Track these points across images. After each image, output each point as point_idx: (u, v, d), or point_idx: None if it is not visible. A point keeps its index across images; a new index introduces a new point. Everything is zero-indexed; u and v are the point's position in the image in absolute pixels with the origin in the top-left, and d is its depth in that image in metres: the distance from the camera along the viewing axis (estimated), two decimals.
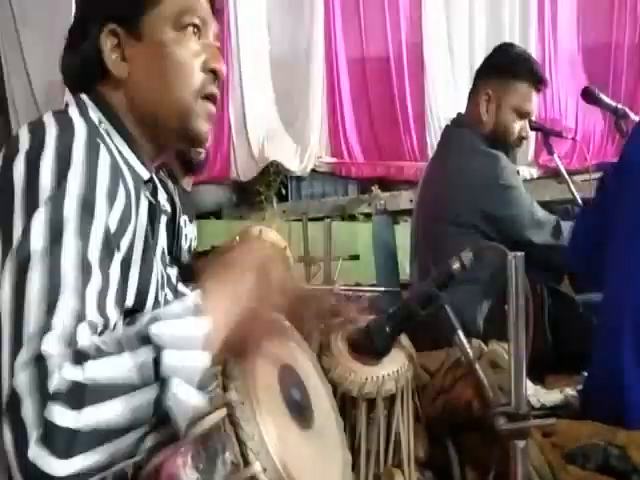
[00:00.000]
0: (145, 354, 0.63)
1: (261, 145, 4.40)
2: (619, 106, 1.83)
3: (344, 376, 0.97)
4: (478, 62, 4.47)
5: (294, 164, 4.41)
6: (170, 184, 2.06)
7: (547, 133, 2.13)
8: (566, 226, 1.73)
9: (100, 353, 0.63)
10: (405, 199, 4.30)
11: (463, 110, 1.95)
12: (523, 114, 1.83)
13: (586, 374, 1.39)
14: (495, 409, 0.87)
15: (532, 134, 1.93)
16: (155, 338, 0.64)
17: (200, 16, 0.87)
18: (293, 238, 3.26)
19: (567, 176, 2.12)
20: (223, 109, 4.14)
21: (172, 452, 0.70)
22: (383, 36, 4.50)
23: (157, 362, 0.63)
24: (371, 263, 2.55)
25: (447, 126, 1.96)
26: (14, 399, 0.60)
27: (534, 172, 4.30)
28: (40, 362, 0.61)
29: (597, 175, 1.88)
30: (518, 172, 1.92)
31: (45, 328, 0.63)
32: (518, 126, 1.84)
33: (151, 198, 0.89)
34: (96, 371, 0.61)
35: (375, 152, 4.57)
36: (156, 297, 0.87)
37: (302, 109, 4.46)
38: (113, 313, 0.71)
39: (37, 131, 0.73)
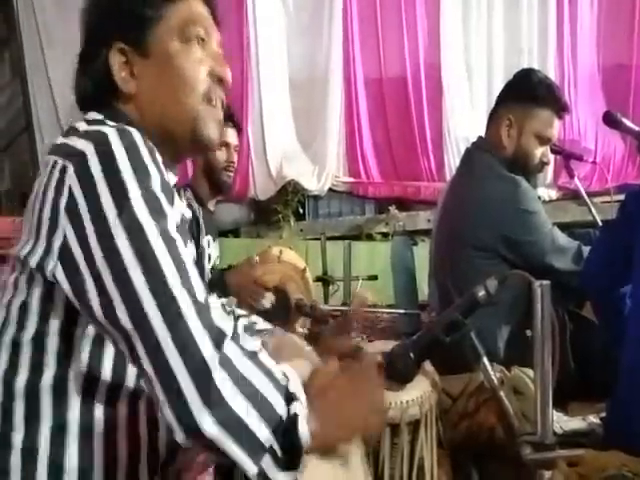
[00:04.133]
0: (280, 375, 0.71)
1: (279, 164, 4.44)
2: None
3: None
4: (496, 83, 4.49)
5: (312, 183, 4.44)
6: (195, 205, 2.10)
7: (567, 156, 2.13)
8: (587, 251, 1.72)
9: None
10: (422, 219, 4.30)
11: (481, 131, 1.95)
12: (545, 140, 1.83)
13: (609, 402, 1.38)
14: (520, 438, 0.86)
15: (551, 156, 1.93)
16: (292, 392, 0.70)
17: (203, 26, 0.90)
18: (310, 257, 3.27)
19: (587, 199, 2.11)
20: (242, 129, 4.19)
21: (202, 469, 0.72)
22: (401, 57, 4.53)
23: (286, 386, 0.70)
24: (389, 283, 2.56)
25: (468, 149, 1.97)
26: (187, 337, 0.66)
27: (553, 194, 4.28)
28: (208, 310, 0.68)
29: (619, 197, 1.87)
30: (539, 197, 1.91)
31: (189, 283, 0.69)
32: (539, 152, 1.84)
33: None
34: (261, 355, 0.70)
35: (392, 172, 4.58)
36: None
37: (320, 129, 4.49)
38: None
39: (96, 136, 0.74)
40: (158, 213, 0.71)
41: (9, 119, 4.68)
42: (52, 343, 0.75)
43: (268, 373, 0.69)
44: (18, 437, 0.74)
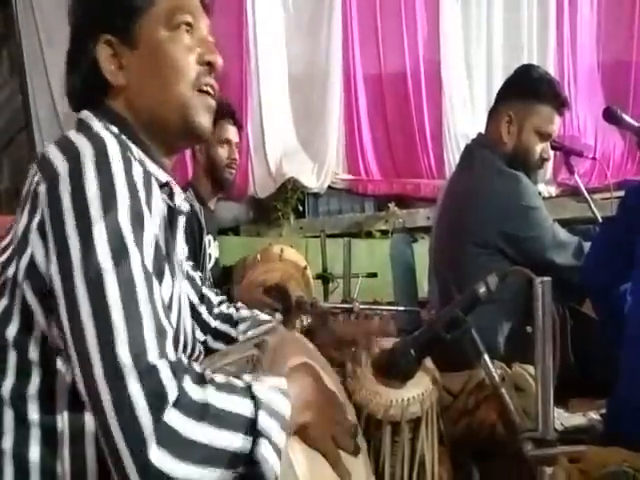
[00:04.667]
0: (248, 406, 0.68)
1: (279, 162, 4.43)
2: None
3: (369, 398, 0.97)
4: (496, 79, 4.48)
5: (311, 181, 4.43)
6: (196, 205, 2.09)
7: (567, 152, 2.12)
8: (588, 247, 1.72)
9: (218, 386, 0.68)
10: (422, 216, 4.29)
11: (481, 128, 1.95)
12: (545, 136, 1.83)
13: (610, 398, 1.38)
14: (522, 434, 0.86)
15: (551, 152, 1.93)
16: (257, 395, 0.68)
17: (191, 12, 0.88)
18: (310, 254, 3.27)
19: (587, 195, 2.10)
20: (243, 127, 4.18)
21: None
22: (400, 54, 4.52)
23: (254, 418, 0.67)
24: (389, 281, 2.55)
25: (468, 145, 1.96)
26: (125, 404, 0.63)
27: (552, 190, 4.27)
28: (153, 372, 0.64)
29: (618, 193, 1.87)
30: (539, 193, 1.91)
31: (140, 340, 0.66)
32: (540, 148, 1.84)
33: (169, 201, 0.90)
34: (217, 398, 0.66)
35: (392, 169, 4.57)
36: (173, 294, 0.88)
37: (319, 127, 4.48)
38: (169, 318, 0.73)
39: (71, 153, 0.73)
40: (120, 252, 0.68)
41: (8, 118, 4.68)
42: (35, 352, 0.74)
43: (223, 420, 0.65)
44: (8, 443, 0.73)
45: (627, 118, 1.81)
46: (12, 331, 0.74)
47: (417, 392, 0.98)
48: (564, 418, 1.42)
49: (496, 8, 4.47)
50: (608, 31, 4.40)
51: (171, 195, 0.90)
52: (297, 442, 0.73)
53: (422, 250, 2.39)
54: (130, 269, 0.68)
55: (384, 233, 4.27)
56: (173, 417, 0.63)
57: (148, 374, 0.64)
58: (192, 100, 0.86)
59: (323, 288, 2.94)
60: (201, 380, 0.67)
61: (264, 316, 1.21)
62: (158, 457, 0.62)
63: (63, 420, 0.74)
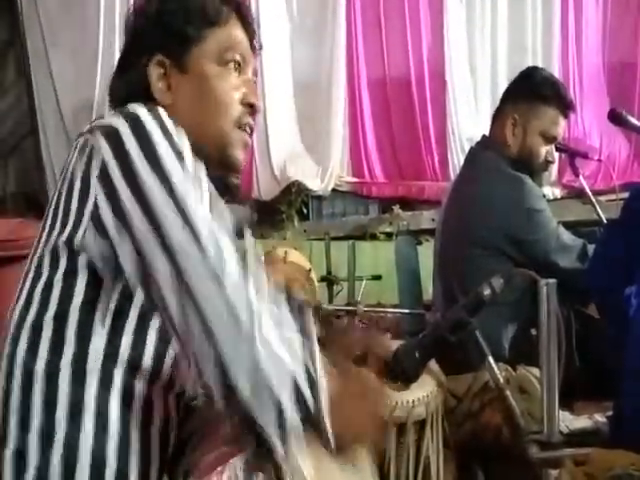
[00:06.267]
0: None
1: (283, 165, 4.44)
2: None
3: None
4: (500, 82, 4.47)
5: (315, 183, 4.43)
6: None
7: (573, 154, 2.12)
8: (593, 249, 1.71)
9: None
10: (427, 219, 4.29)
11: (485, 130, 1.95)
12: (550, 138, 1.83)
13: (615, 401, 1.37)
14: (527, 437, 0.86)
15: (555, 154, 1.92)
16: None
17: (241, 53, 0.93)
18: (314, 257, 3.27)
19: (593, 197, 2.10)
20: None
21: (209, 471, 0.72)
22: (404, 57, 4.52)
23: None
24: (393, 283, 2.55)
25: (472, 148, 1.96)
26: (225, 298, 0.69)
27: (557, 192, 4.26)
28: (254, 309, 0.70)
29: (624, 195, 1.86)
30: (544, 195, 1.90)
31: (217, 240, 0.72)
32: (544, 150, 1.83)
33: None
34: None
35: (396, 172, 4.57)
36: None
37: (324, 130, 4.49)
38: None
39: (129, 113, 0.77)
40: (189, 182, 0.74)
41: (14, 122, 4.70)
42: (73, 319, 0.76)
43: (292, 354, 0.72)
44: (36, 420, 0.75)
45: (632, 120, 1.81)
46: (53, 305, 0.77)
47: (422, 394, 0.98)
48: (569, 421, 1.41)
49: (500, 10, 4.47)
50: (613, 33, 4.39)
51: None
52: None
53: (426, 252, 2.39)
54: (201, 196, 0.76)
55: (388, 235, 4.27)
56: (267, 328, 0.70)
57: (241, 283, 0.71)
58: (231, 135, 0.92)
59: (327, 291, 2.94)
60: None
61: None
62: (259, 349, 0.69)
63: (90, 397, 0.76)
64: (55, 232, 0.77)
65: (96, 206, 0.74)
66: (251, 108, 0.93)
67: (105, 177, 0.74)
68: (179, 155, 0.75)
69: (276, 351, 0.70)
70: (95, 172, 0.75)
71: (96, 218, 0.74)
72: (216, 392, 0.69)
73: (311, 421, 0.71)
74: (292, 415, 0.70)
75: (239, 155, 0.93)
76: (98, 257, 0.74)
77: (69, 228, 0.76)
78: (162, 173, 0.72)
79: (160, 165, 0.73)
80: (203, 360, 0.69)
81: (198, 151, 0.88)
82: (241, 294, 0.70)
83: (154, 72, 0.90)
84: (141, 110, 0.77)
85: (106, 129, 0.76)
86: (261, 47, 1.00)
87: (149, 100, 0.88)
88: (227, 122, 0.91)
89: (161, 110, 0.79)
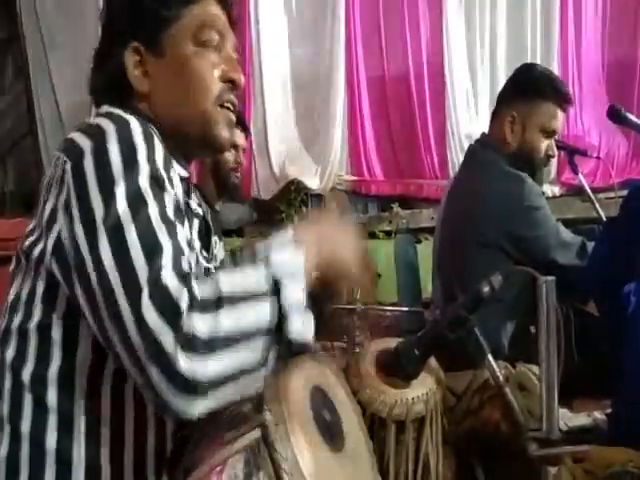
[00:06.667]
0: (265, 271, 0.70)
1: (282, 164, 4.44)
2: None
3: (374, 397, 0.97)
4: (499, 80, 4.47)
5: (314, 182, 4.43)
6: (204, 206, 2.09)
7: (572, 152, 2.12)
8: (592, 246, 1.71)
9: (226, 270, 0.71)
10: (426, 217, 4.29)
11: (484, 128, 1.94)
12: (549, 133, 1.83)
13: (614, 398, 1.37)
14: (526, 434, 0.86)
15: (555, 149, 1.92)
16: (273, 260, 0.71)
17: (218, 30, 0.90)
18: None
19: (592, 195, 2.10)
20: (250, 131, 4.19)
21: (209, 471, 0.72)
22: (403, 55, 4.52)
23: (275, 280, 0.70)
24: (392, 281, 2.55)
25: (471, 146, 1.96)
26: (150, 337, 0.66)
27: (556, 190, 4.26)
28: (165, 290, 0.67)
29: (623, 193, 1.86)
30: (543, 193, 1.90)
31: (157, 267, 0.68)
32: (545, 145, 1.83)
33: (186, 197, 0.93)
34: (228, 282, 0.69)
35: (395, 170, 4.57)
36: None
37: (323, 128, 4.49)
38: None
39: (94, 131, 0.76)
40: (139, 204, 0.72)
41: (13, 122, 4.70)
42: (57, 333, 0.76)
43: (241, 300, 0.69)
44: (26, 427, 0.75)
45: (631, 116, 1.81)
46: (37, 313, 0.77)
47: (421, 391, 0.98)
48: (568, 418, 1.41)
49: (500, 8, 4.47)
50: (613, 31, 4.39)
51: (188, 192, 0.92)
52: (302, 437, 0.73)
53: (425, 251, 2.39)
54: (148, 216, 0.72)
55: (387, 234, 4.27)
56: (190, 322, 0.66)
57: (158, 291, 0.67)
58: (214, 114, 0.89)
59: None
60: (208, 275, 0.71)
61: None
62: (187, 364, 0.65)
63: (80, 407, 0.76)
64: (31, 241, 0.78)
65: (59, 237, 0.74)
66: (232, 84, 0.90)
67: (68, 211, 0.73)
68: (135, 177, 0.73)
69: (225, 334, 0.67)
70: (62, 199, 0.74)
71: (58, 250, 0.74)
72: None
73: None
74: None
75: (224, 133, 0.90)
76: (64, 286, 0.75)
77: (40, 246, 0.76)
78: (114, 220, 0.70)
79: (113, 211, 0.71)
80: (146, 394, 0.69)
81: (182, 134, 0.88)
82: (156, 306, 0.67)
83: (130, 60, 0.88)
84: (109, 132, 0.74)
85: (74, 154, 0.74)
86: (237, 20, 0.97)
87: (127, 89, 0.88)
88: (208, 101, 0.88)
89: (132, 123, 0.76)
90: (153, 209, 0.72)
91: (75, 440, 0.75)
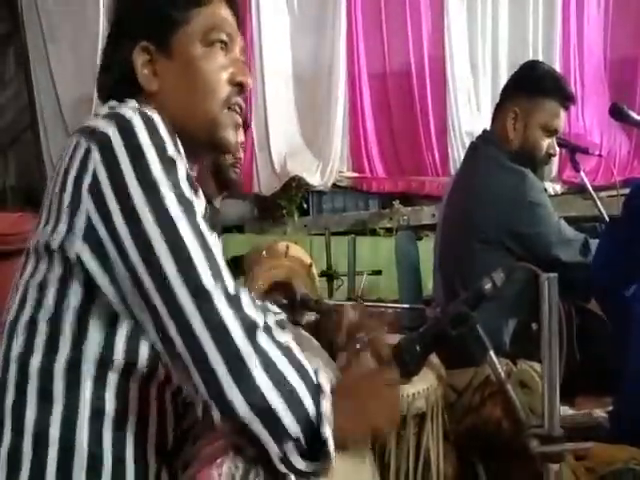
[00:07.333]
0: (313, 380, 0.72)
1: (283, 160, 4.44)
2: None
3: None
4: (501, 77, 4.48)
5: (316, 179, 4.43)
6: (204, 203, 2.09)
7: (573, 150, 2.12)
8: (594, 244, 1.71)
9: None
10: (427, 214, 4.29)
11: (486, 125, 1.94)
12: (551, 131, 1.82)
13: (616, 396, 1.37)
14: (528, 431, 0.86)
15: (557, 148, 1.92)
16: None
17: (227, 32, 0.91)
18: (314, 252, 3.27)
19: (593, 193, 2.10)
20: (250, 126, 4.19)
21: (209, 463, 0.72)
22: (405, 51, 4.52)
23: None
24: (393, 278, 2.55)
25: (473, 142, 1.96)
26: (219, 326, 0.69)
27: (558, 188, 4.26)
28: (236, 300, 0.71)
29: (624, 191, 1.86)
30: (545, 190, 1.89)
31: (217, 271, 0.71)
32: (546, 143, 1.83)
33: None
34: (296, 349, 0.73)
35: (396, 167, 4.57)
36: None
37: (324, 125, 4.48)
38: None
39: (119, 118, 0.75)
40: (184, 199, 0.73)
41: (14, 116, 4.69)
42: (67, 323, 0.75)
43: (300, 368, 0.71)
44: (31, 419, 0.74)
45: (633, 114, 1.80)
46: (48, 304, 0.76)
47: (422, 387, 0.98)
48: (569, 416, 1.41)
49: (502, 5, 4.47)
50: (615, 28, 4.39)
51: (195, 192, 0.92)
52: None
53: (427, 248, 2.38)
54: (194, 213, 0.74)
55: (389, 231, 4.27)
56: (263, 340, 0.69)
57: (237, 301, 0.70)
58: (220, 116, 0.89)
59: (328, 286, 2.94)
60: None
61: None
62: (255, 367, 0.68)
63: (85, 398, 0.75)
64: (48, 232, 0.76)
65: (90, 224, 0.72)
66: (240, 87, 0.90)
67: (97, 194, 0.72)
68: (172, 165, 0.74)
69: (279, 368, 0.69)
70: (86, 184, 0.73)
71: (92, 237, 0.72)
72: (214, 412, 0.69)
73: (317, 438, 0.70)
74: (298, 439, 0.69)
75: (231, 136, 0.91)
76: (94, 270, 0.73)
77: (62, 234, 0.74)
78: (155, 197, 0.71)
79: (153, 188, 0.72)
80: (195, 378, 0.69)
81: (189, 135, 0.87)
82: (233, 310, 0.70)
83: (139, 59, 0.88)
84: (135, 118, 0.74)
85: (99, 137, 0.74)
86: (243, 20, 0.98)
87: (135, 88, 0.88)
88: (215, 103, 0.88)
89: (154, 114, 0.77)
90: (198, 211, 0.75)
91: (78, 431, 0.75)
